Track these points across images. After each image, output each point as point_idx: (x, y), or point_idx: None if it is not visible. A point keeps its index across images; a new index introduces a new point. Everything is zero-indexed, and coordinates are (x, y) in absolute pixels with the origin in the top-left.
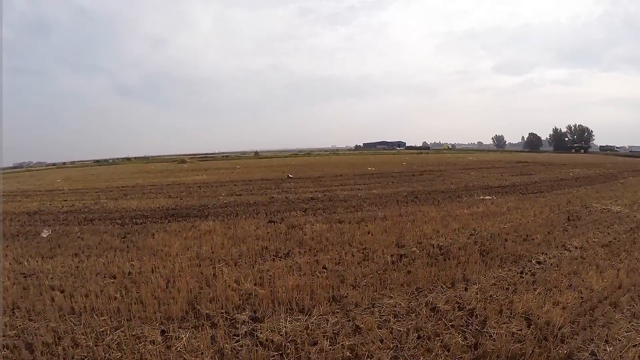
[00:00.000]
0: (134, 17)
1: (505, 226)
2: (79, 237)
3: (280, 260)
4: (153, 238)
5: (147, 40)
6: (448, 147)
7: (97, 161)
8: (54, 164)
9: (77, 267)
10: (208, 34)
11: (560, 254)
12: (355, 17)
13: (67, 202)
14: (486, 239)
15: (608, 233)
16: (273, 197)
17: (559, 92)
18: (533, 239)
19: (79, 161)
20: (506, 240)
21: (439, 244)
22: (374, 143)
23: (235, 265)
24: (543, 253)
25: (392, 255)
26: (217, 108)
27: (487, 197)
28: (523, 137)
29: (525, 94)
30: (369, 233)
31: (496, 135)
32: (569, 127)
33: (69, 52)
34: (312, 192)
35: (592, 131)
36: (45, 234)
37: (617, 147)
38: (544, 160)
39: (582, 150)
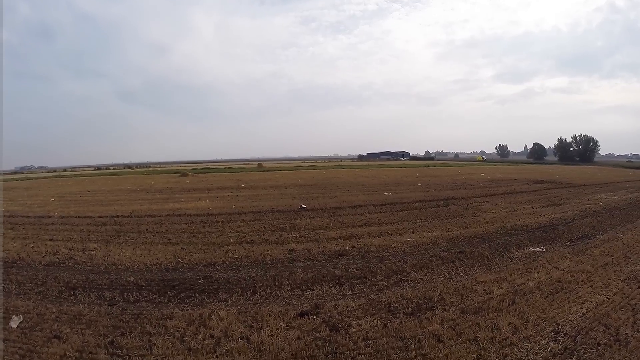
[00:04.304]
0: (136, 24)
1: (585, 311)
2: (55, 337)
3: None
4: (151, 351)
5: (149, 46)
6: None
7: (98, 168)
8: (54, 170)
9: None
10: (209, 41)
11: None
12: (356, 25)
13: (52, 242)
14: (579, 344)
15: None
16: (292, 250)
17: (559, 100)
18: (626, 339)
19: (79, 167)
20: (599, 344)
21: None
22: (378, 153)
23: None
24: None
25: None
26: (219, 114)
27: (537, 250)
28: (526, 146)
29: (526, 103)
30: (438, 340)
31: (500, 144)
32: (574, 137)
33: (71, 57)
34: (336, 239)
35: (597, 141)
36: (15, 322)
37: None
38: (561, 179)
39: None
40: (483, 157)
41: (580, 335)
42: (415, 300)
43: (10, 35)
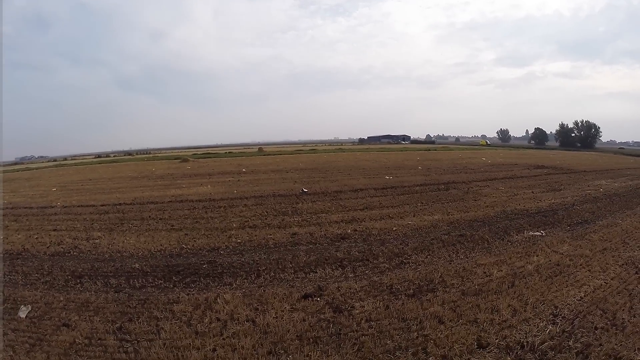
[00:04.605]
0: (132, 10)
1: (583, 295)
2: (64, 325)
3: None
4: (159, 335)
5: (146, 33)
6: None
7: (99, 156)
8: (55, 160)
9: None
10: (207, 26)
11: None
12: (356, 8)
13: (56, 232)
14: (576, 327)
15: None
16: (295, 234)
17: (561, 85)
18: (622, 324)
19: (80, 156)
20: (596, 328)
21: (528, 343)
22: (379, 137)
23: None
24: None
25: None
26: (219, 99)
27: (537, 234)
28: (527, 131)
29: (527, 87)
30: (439, 321)
31: (501, 129)
32: (576, 123)
33: (68, 46)
34: (337, 222)
35: (599, 127)
36: (23, 312)
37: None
38: (561, 164)
39: None
40: (487, 142)
41: (578, 319)
42: (417, 282)
43: (7, 27)
